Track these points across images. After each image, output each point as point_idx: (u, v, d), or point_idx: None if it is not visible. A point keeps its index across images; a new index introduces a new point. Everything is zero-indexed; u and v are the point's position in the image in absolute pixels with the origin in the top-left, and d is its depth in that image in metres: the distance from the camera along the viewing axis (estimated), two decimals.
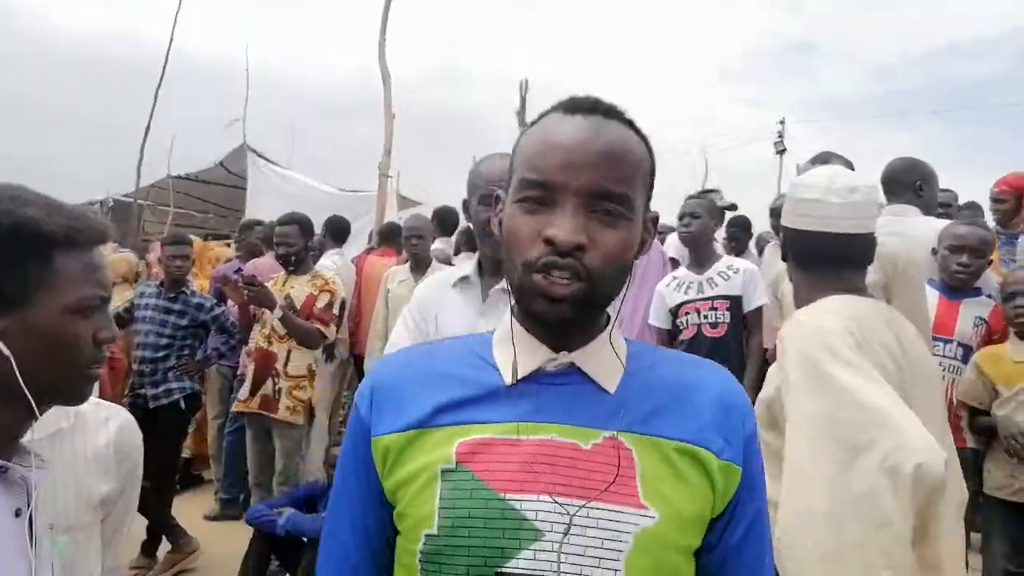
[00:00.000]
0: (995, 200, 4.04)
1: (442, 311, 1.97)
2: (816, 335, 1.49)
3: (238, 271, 4.22)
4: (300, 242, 3.97)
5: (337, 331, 4.14)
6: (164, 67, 11.17)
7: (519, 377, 0.85)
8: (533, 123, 0.90)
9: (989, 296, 2.95)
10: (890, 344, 1.54)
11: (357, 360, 5.32)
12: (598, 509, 0.79)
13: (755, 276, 3.46)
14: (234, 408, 4.06)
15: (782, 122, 24.90)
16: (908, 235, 2.65)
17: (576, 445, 0.81)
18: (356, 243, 6.53)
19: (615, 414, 0.83)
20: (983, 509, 2.72)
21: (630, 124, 0.87)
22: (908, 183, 2.95)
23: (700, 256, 3.54)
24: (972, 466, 2.64)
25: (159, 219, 12.32)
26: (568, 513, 0.78)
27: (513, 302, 0.90)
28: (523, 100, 9.38)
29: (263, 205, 8.28)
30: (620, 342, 0.90)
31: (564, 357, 0.86)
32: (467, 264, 2.03)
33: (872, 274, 2.50)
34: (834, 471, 1.35)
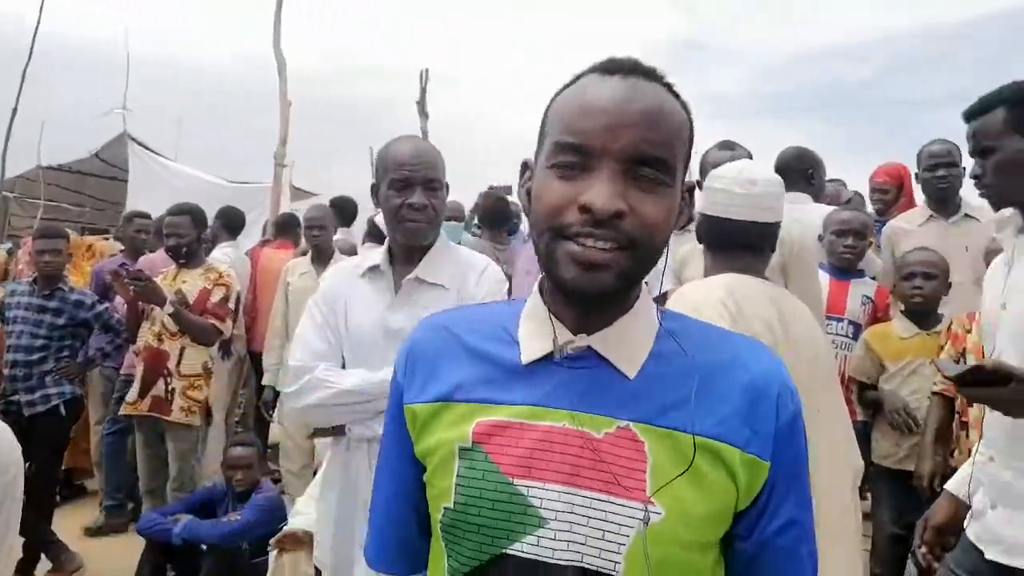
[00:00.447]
0: (877, 190, 4.29)
1: (351, 302, 1.88)
2: (691, 305, 1.58)
3: (123, 265, 3.94)
4: (192, 233, 3.76)
5: (233, 326, 3.95)
6: (32, 46, 10.29)
7: (536, 358, 0.83)
8: (568, 84, 0.84)
9: (873, 278, 3.17)
10: (769, 319, 1.64)
11: (254, 357, 5.09)
12: (603, 501, 0.77)
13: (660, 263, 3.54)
14: (122, 411, 3.79)
15: None
16: (804, 221, 2.78)
17: (587, 433, 0.79)
18: (248, 236, 6.25)
19: (631, 403, 0.80)
20: (871, 477, 2.90)
21: (669, 87, 0.82)
22: (800, 171, 3.11)
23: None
24: (861, 437, 2.80)
25: (28, 213, 11.37)
26: (571, 503, 0.78)
27: (542, 276, 0.87)
28: (423, 91, 9.24)
29: (146, 198, 7.79)
30: (650, 321, 0.85)
31: (581, 340, 0.82)
32: (375, 253, 1.95)
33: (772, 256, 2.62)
34: None
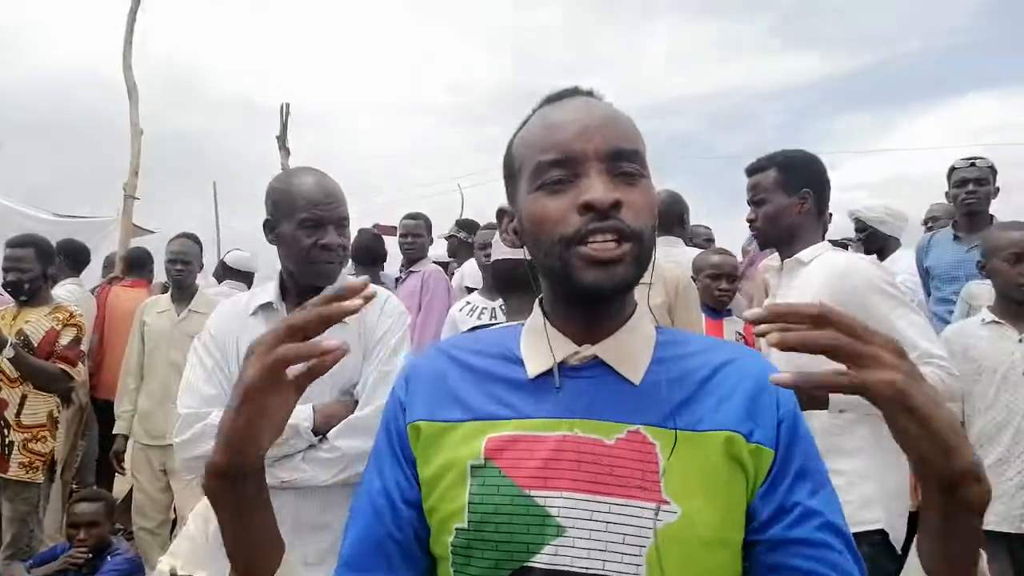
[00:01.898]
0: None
1: (243, 343, 1.76)
2: None
3: None
4: (37, 268, 3.40)
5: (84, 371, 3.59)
6: None
7: (541, 372, 0.85)
8: (522, 125, 0.90)
9: (739, 317, 3.44)
10: None
11: (96, 404, 4.64)
12: (620, 505, 0.78)
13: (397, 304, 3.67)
14: None
15: None
16: (681, 263, 2.99)
17: (599, 440, 0.81)
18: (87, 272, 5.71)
19: (638, 408, 0.82)
20: None
21: (609, 104, 0.88)
22: (676, 216, 3.33)
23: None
24: None
25: None
26: (589, 510, 0.78)
27: (544, 291, 0.90)
28: (284, 125, 8.98)
29: None
30: (648, 331, 0.89)
31: (586, 350, 0.85)
32: (265, 290, 1.84)
33: (656, 297, 2.79)
34: None
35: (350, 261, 5.37)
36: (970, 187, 3.47)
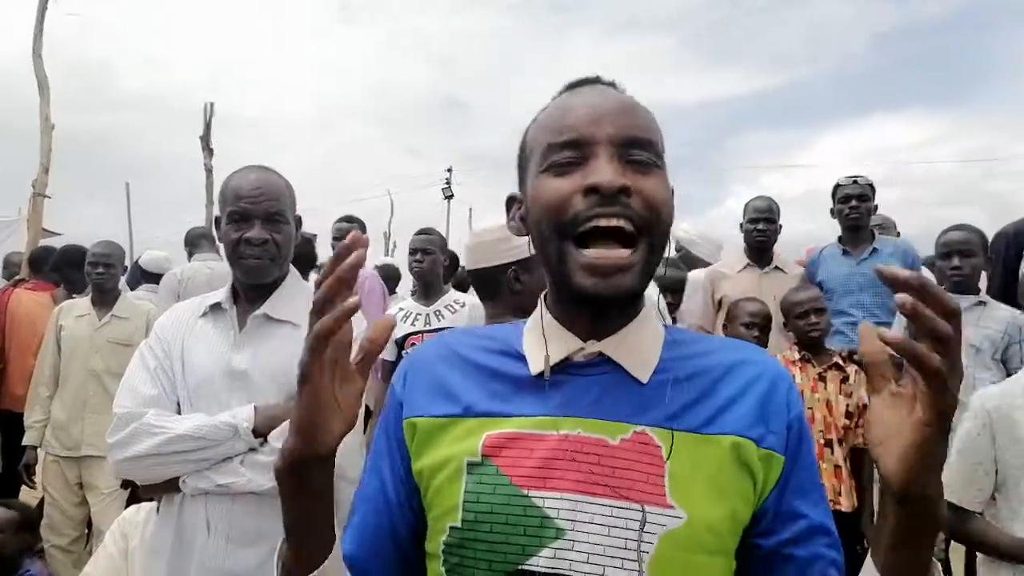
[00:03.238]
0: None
1: (188, 344, 1.72)
2: None
3: None
4: None
5: None
6: None
7: (545, 369, 0.82)
8: (540, 112, 0.88)
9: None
10: None
11: (0, 414, 4.35)
12: (622, 508, 0.75)
13: (478, 310, 3.62)
14: None
15: (449, 170, 26.73)
16: None
17: (603, 440, 0.78)
18: None
19: (645, 407, 0.79)
20: None
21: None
22: None
23: (429, 289, 3.62)
24: None
25: None
26: (590, 512, 0.75)
27: (548, 285, 0.86)
28: (208, 125, 8.67)
29: None
30: (657, 329, 0.86)
31: (592, 346, 0.82)
32: (218, 291, 1.81)
33: None
34: None
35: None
36: (853, 203, 3.64)
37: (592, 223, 0.76)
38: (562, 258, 0.78)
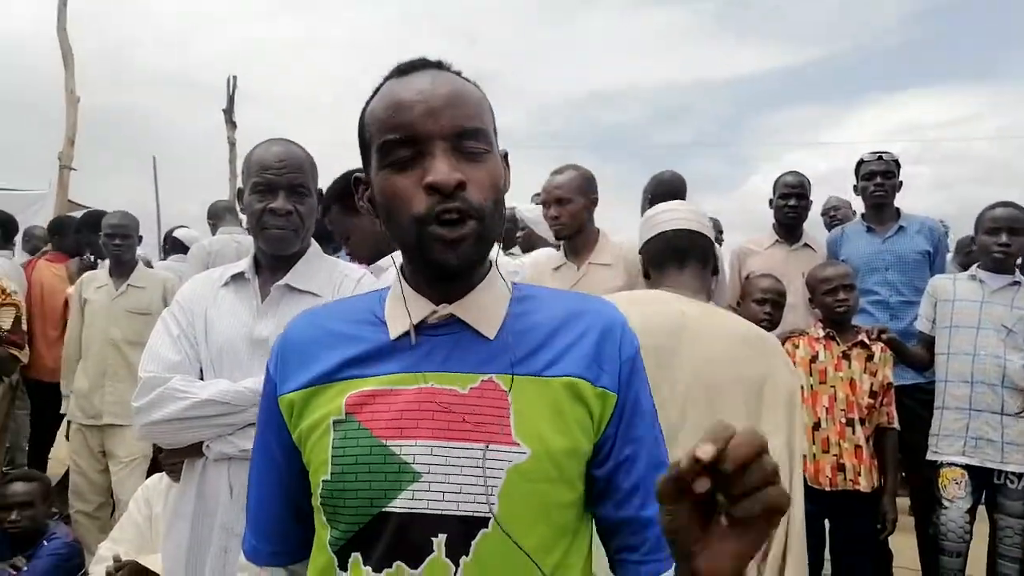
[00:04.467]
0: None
1: (212, 312, 1.73)
2: None
3: None
4: None
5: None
6: None
7: (403, 332, 0.90)
8: (372, 96, 0.92)
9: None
10: (653, 328, 1.61)
11: (28, 383, 4.43)
12: (472, 448, 0.83)
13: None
14: None
15: None
16: None
17: (454, 391, 0.86)
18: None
19: (492, 358, 0.88)
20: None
21: (458, 74, 0.91)
22: (681, 198, 3.34)
23: None
24: None
25: None
26: (444, 455, 0.83)
27: (404, 257, 0.93)
28: (231, 98, 8.69)
29: None
30: (503, 289, 0.94)
31: (444, 309, 0.90)
32: (241, 261, 1.82)
33: (616, 279, 2.78)
34: None
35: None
36: (878, 179, 3.55)
37: (439, 220, 0.83)
38: (420, 240, 0.85)
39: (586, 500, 0.91)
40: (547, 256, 3.17)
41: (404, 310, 0.91)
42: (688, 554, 0.63)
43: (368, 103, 0.92)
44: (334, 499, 0.86)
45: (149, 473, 3.35)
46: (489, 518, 0.83)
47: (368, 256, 2.39)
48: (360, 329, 0.93)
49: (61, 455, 4.72)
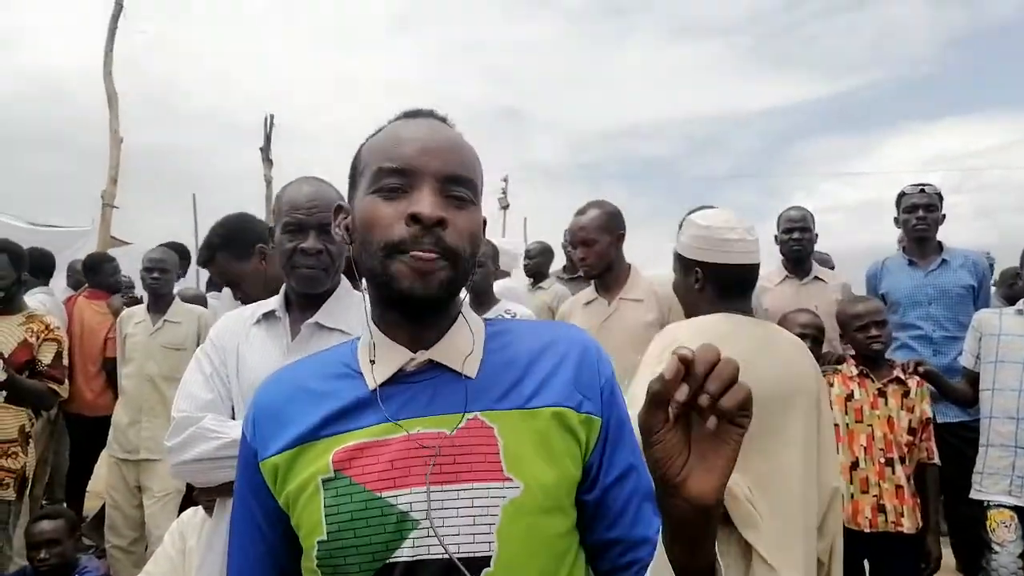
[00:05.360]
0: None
1: (243, 350, 1.75)
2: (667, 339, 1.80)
3: None
4: (11, 274, 3.28)
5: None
6: None
7: (381, 383, 0.89)
8: (376, 132, 0.96)
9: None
10: (735, 351, 1.78)
11: (67, 418, 4.53)
12: (467, 489, 0.84)
13: (528, 315, 3.60)
14: None
15: (505, 179, 26.77)
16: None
17: (441, 433, 0.86)
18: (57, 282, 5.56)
19: (475, 397, 0.88)
20: None
21: (459, 134, 0.96)
22: None
23: (480, 299, 3.60)
24: None
25: None
26: (439, 500, 0.84)
27: (369, 302, 0.94)
28: (268, 136, 8.90)
29: None
30: (477, 326, 0.95)
31: (421, 356, 0.90)
32: (272, 299, 1.84)
33: (648, 314, 2.76)
34: None
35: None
36: (920, 213, 3.49)
37: (412, 250, 0.85)
38: (386, 269, 0.86)
39: (577, 525, 0.92)
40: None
41: (380, 359, 0.91)
42: (676, 485, 0.68)
43: (369, 138, 0.96)
44: (333, 558, 0.85)
45: (181, 508, 3.37)
46: (491, 556, 0.83)
47: (260, 297, 2.36)
48: (336, 384, 0.92)
49: (99, 488, 4.78)
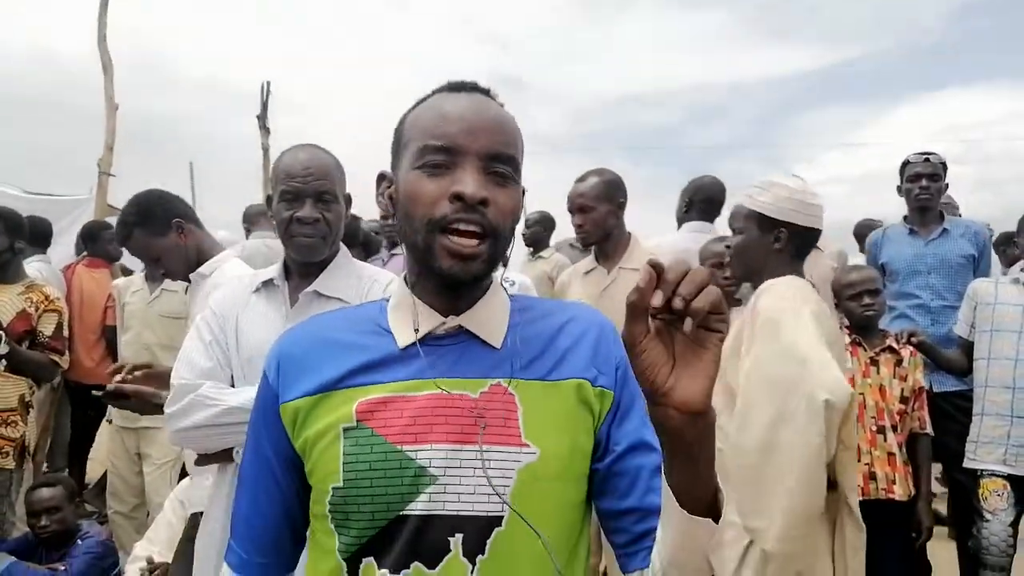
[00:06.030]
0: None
1: (243, 318, 1.75)
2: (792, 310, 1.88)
3: None
4: (4, 241, 3.22)
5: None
6: None
7: (411, 342, 0.92)
8: (420, 102, 0.96)
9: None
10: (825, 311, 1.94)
11: (68, 386, 4.54)
12: (485, 451, 0.87)
13: (528, 287, 3.60)
14: None
15: None
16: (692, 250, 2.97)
17: (465, 395, 0.89)
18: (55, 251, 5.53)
19: (499, 365, 0.92)
20: None
21: (501, 105, 0.96)
22: (720, 203, 3.33)
23: None
24: None
25: None
26: (459, 458, 0.86)
27: (409, 267, 0.97)
28: (264, 104, 8.80)
29: None
30: (504, 301, 0.99)
31: (452, 321, 0.93)
32: (271, 267, 1.84)
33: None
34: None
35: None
36: (923, 182, 3.46)
37: (454, 226, 0.87)
38: (429, 246, 0.88)
39: (589, 496, 0.95)
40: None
41: (410, 320, 0.93)
42: (664, 393, 0.70)
43: (412, 108, 0.97)
44: (347, 505, 0.88)
45: (181, 475, 3.41)
46: (503, 516, 0.86)
47: (183, 271, 2.37)
48: (365, 338, 0.95)
49: (101, 456, 4.82)
